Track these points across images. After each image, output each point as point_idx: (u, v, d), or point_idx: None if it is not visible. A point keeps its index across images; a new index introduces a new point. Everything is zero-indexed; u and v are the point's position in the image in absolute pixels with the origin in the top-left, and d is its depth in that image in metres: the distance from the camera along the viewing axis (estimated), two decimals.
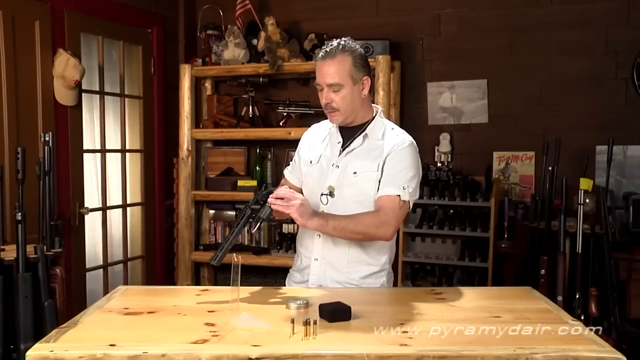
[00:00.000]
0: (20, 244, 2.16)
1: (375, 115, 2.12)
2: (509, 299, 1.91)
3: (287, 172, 2.34)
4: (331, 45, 2.02)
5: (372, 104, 2.16)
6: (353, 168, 2.06)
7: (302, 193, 2.20)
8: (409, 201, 2.02)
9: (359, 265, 2.09)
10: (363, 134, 2.08)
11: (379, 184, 2.03)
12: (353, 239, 2.03)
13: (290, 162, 2.34)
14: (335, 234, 1.99)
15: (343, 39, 2.05)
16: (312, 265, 2.12)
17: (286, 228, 4.03)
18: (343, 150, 2.10)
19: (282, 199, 1.89)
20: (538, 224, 3.27)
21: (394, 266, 2.22)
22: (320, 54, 2.04)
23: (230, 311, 1.67)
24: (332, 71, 1.99)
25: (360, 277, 2.09)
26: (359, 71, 2.02)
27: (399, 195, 1.99)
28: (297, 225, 2.07)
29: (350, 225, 1.96)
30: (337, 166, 2.09)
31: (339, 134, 2.13)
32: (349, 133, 2.11)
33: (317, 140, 2.21)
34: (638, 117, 3.62)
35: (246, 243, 4.11)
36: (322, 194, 2.09)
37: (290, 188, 2.09)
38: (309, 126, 2.32)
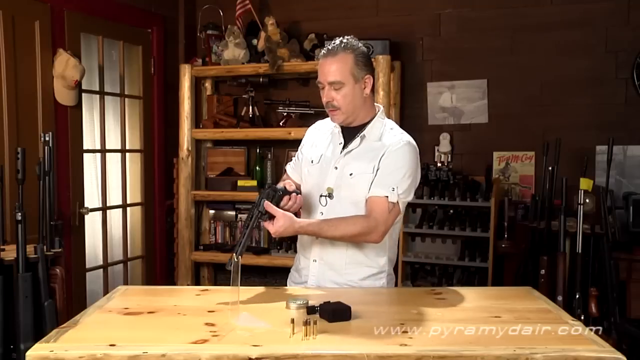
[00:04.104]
0: (20, 244, 2.15)
1: (376, 115, 2.10)
2: (509, 299, 1.91)
3: (289, 167, 2.31)
4: (333, 43, 2.02)
5: (375, 104, 2.13)
6: (349, 169, 2.04)
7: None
8: (398, 202, 1.98)
9: (357, 267, 2.07)
10: (361, 135, 2.06)
11: (371, 185, 2.01)
12: (344, 241, 2.03)
13: (293, 158, 2.31)
14: (328, 237, 2.01)
15: (346, 37, 2.04)
16: (310, 266, 2.11)
17: None
18: (342, 151, 2.09)
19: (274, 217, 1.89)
20: (538, 224, 3.27)
21: (394, 266, 2.20)
22: (323, 51, 2.04)
23: (230, 311, 1.67)
24: (333, 69, 1.98)
25: (359, 279, 2.07)
26: (360, 69, 2.01)
27: (387, 197, 1.96)
28: None
29: (337, 232, 1.97)
30: (336, 167, 2.07)
31: (341, 135, 2.11)
32: (350, 134, 2.09)
33: (319, 139, 2.19)
34: (638, 117, 3.62)
35: None
36: (321, 196, 2.08)
37: (292, 184, 2.11)
38: (309, 126, 2.30)
